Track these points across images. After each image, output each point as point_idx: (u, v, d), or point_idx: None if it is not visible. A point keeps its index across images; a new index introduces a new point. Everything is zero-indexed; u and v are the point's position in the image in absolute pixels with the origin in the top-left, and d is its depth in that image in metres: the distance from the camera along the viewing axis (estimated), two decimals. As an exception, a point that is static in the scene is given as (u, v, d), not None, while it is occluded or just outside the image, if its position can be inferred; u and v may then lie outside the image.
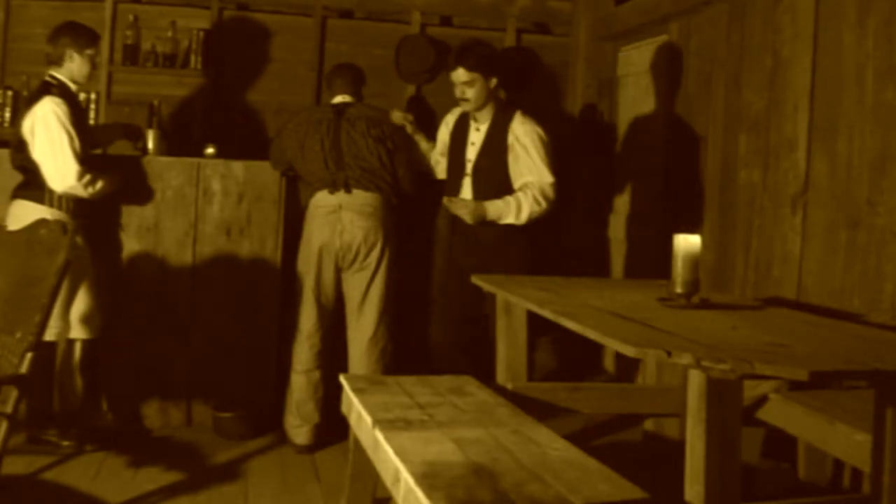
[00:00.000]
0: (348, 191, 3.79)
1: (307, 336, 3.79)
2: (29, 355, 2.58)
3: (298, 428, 3.77)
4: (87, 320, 3.65)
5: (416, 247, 4.53)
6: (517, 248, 3.79)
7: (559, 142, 5.28)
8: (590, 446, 2.29)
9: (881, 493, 2.03)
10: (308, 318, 3.80)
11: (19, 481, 3.20)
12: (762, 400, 2.81)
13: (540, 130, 3.79)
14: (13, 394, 2.55)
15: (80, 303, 3.62)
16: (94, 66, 3.65)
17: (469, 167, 3.84)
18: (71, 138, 3.44)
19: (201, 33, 4.83)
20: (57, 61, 3.55)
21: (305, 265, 3.83)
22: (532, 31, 5.40)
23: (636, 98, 4.95)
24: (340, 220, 3.76)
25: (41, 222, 2.99)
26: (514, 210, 3.69)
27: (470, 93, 3.75)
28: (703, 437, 1.93)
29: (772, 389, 2.79)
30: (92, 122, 4.73)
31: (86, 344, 3.66)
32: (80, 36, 3.59)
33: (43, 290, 2.67)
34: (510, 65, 5.25)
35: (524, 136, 3.74)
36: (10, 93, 4.63)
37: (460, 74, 3.74)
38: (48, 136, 3.42)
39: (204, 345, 3.99)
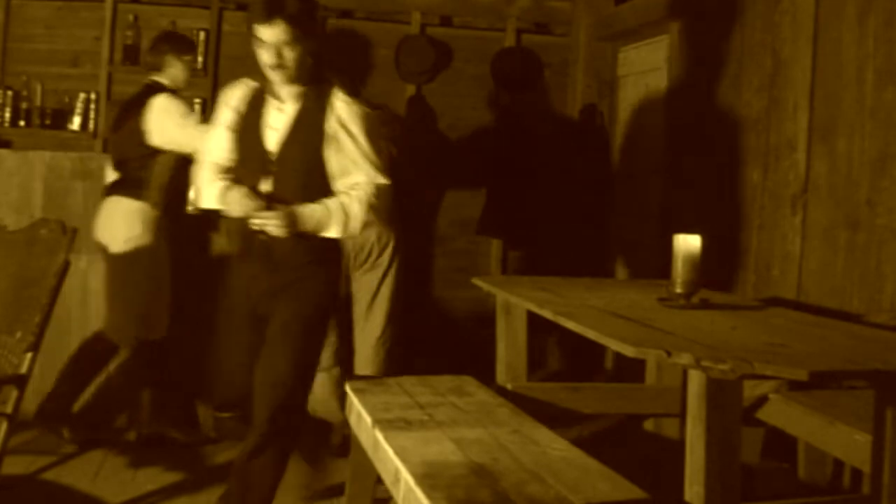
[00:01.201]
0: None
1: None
2: (29, 355, 2.58)
3: None
4: (157, 321, 3.72)
5: (416, 247, 4.53)
6: (330, 271, 2.85)
7: (560, 141, 5.33)
8: (590, 446, 2.29)
9: (881, 493, 2.03)
10: None
11: (19, 481, 3.20)
12: (762, 400, 2.81)
13: (373, 115, 2.88)
14: (13, 394, 2.55)
15: (155, 303, 3.71)
16: (191, 71, 3.94)
17: (271, 162, 2.76)
18: (194, 116, 3.75)
19: (201, 33, 4.83)
20: (158, 67, 3.79)
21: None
22: (532, 31, 5.39)
23: (636, 98, 4.95)
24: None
25: (41, 222, 2.99)
26: (341, 219, 2.70)
27: (290, 56, 2.67)
28: (703, 437, 1.93)
29: (772, 389, 2.79)
30: (91, 122, 4.74)
31: (155, 344, 3.74)
32: (179, 43, 3.88)
33: (43, 290, 2.67)
34: (510, 65, 5.26)
35: (352, 122, 2.74)
36: (10, 93, 4.63)
37: (279, 31, 2.63)
38: (177, 119, 3.64)
39: (204, 345, 3.98)
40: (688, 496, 1.97)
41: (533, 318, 3.17)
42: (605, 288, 3.22)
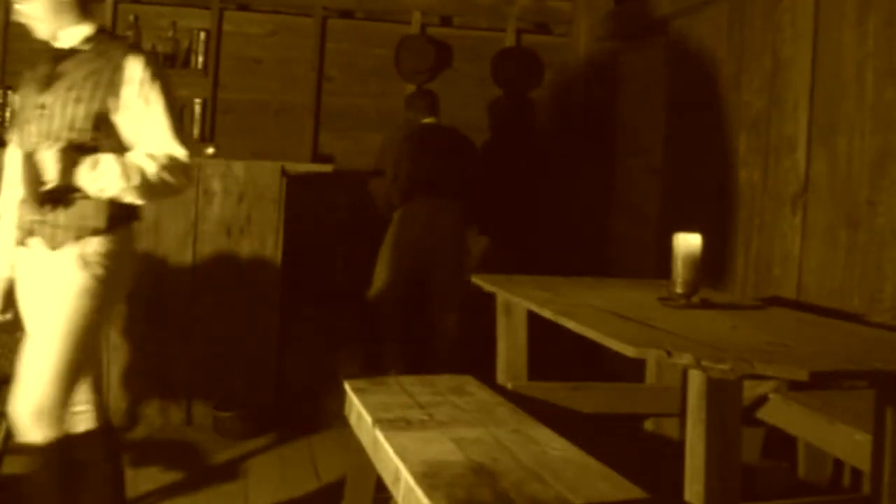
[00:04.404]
0: (442, 197, 4.41)
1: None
2: (29, 355, 2.57)
3: None
4: None
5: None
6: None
7: (560, 141, 5.33)
8: (590, 446, 2.29)
9: (881, 493, 2.03)
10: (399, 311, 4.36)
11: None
12: (762, 400, 2.81)
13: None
14: (13, 393, 2.54)
15: None
16: None
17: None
18: None
19: (201, 33, 4.83)
20: None
21: (406, 262, 4.36)
22: (532, 31, 5.40)
23: (636, 98, 4.95)
24: (438, 222, 4.39)
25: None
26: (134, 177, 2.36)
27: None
28: (703, 437, 1.92)
29: (772, 389, 2.79)
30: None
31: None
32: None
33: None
34: (510, 65, 5.26)
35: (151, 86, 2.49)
36: (10, 92, 4.63)
37: None
38: None
39: (204, 345, 3.99)
40: (688, 496, 1.97)
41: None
42: (605, 287, 3.22)
